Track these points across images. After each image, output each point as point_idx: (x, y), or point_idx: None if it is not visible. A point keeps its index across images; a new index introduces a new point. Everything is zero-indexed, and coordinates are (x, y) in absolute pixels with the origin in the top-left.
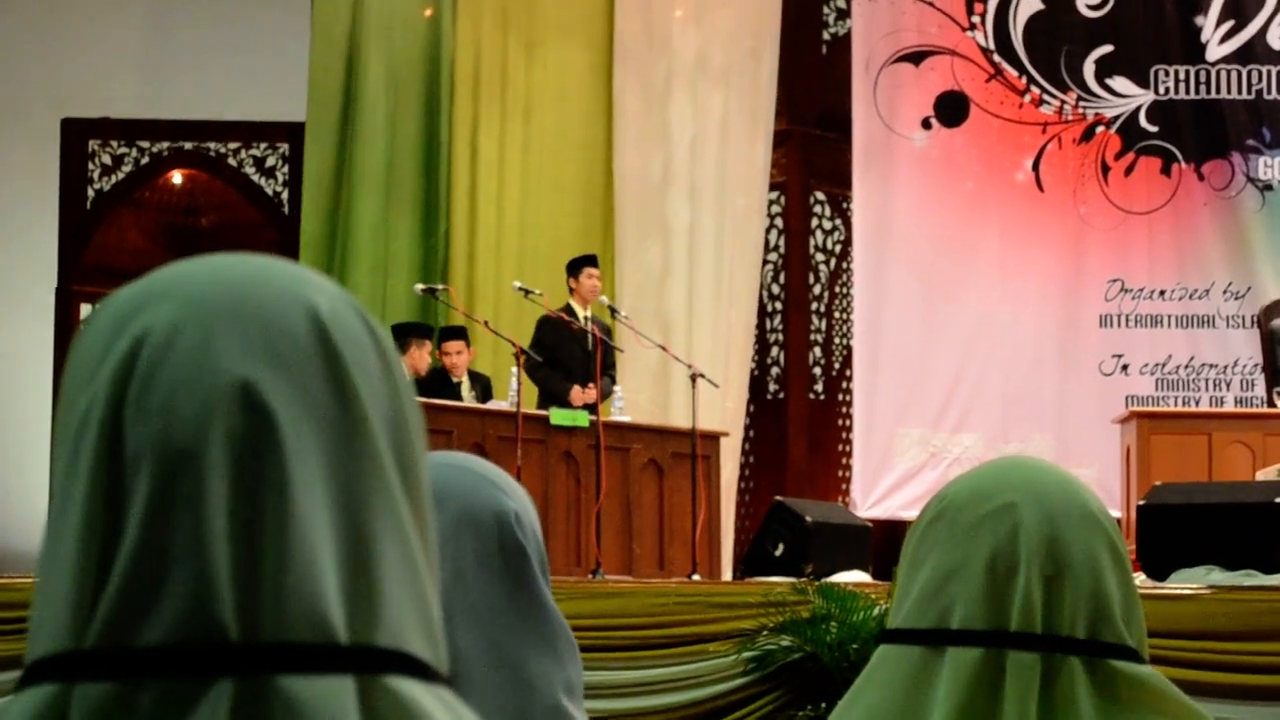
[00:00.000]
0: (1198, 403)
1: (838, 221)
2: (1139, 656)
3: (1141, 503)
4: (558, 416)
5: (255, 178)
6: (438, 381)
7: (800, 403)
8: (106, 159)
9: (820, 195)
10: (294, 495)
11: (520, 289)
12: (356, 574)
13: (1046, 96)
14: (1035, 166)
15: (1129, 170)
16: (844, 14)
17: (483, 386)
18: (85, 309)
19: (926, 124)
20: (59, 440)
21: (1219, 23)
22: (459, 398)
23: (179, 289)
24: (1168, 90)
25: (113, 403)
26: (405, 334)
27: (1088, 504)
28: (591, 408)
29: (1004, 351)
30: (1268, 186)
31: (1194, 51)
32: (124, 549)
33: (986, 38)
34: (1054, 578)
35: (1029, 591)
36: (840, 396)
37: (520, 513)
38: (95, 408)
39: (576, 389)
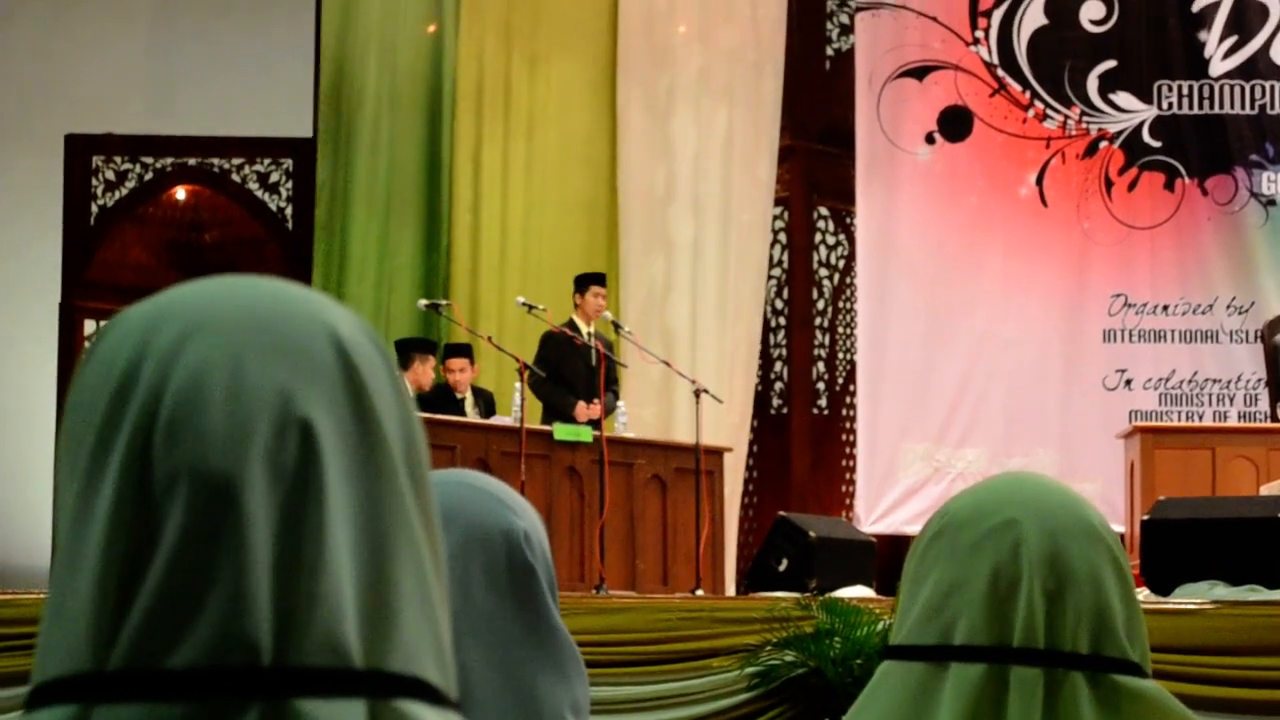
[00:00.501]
0: (1201, 417)
1: (841, 237)
2: (1142, 671)
3: (1145, 517)
4: (561, 432)
5: (259, 193)
6: (441, 397)
7: (804, 418)
8: (110, 175)
9: (824, 210)
10: (330, 519)
11: (523, 304)
12: (374, 597)
13: (1050, 111)
14: (1039, 181)
15: (1132, 185)
16: (847, 29)
17: (486, 402)
18: (89, 324)
19: (930, 139)
20: (67, 459)
21: (1222, 38)
22: (462, 413)
23: (199, 311)
24: (1171, 105)
25: (141, 425)
26: (408, 350)
27: (1090, 519)
28: (595, 423)
29: (1007, 366)
30: (1271, 201)
31: (1197, 67)
32: (154, 571)
33: (990, 53)
34: (1056, 593)
35: (1031, 607)
36: (844, 412)
37: (530, 532)
38: (120, 430)
39: (581, 404)
